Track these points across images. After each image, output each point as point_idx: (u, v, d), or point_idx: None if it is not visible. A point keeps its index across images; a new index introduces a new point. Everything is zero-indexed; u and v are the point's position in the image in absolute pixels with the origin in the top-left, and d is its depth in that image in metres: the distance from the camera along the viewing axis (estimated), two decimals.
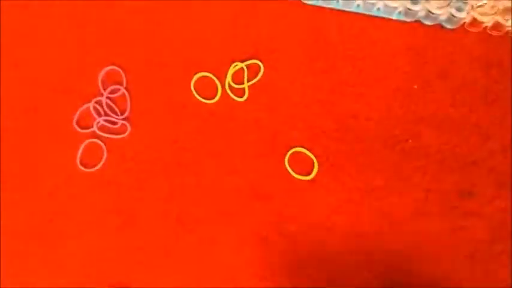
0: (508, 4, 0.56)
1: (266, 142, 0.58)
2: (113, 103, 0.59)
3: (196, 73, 0.59)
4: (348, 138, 0.58)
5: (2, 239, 0.58)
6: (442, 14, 0.57)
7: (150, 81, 0.60)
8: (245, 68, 0.59)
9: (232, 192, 0.58)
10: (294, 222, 0.57)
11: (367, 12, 0.58)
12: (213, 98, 0.59)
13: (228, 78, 0.59)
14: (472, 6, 0.56)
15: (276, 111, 0.58)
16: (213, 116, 0.59)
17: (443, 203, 0.56)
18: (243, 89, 0.59)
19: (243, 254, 0.57)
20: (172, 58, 0.60)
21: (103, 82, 0.59)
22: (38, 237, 0.58)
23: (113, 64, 0.60)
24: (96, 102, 0.59)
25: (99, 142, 0.59)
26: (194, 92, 0.59)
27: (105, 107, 0.59)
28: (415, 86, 0.58)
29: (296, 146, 0.58)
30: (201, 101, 0.59)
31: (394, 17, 0.58)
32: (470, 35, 0.58)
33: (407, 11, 0.57)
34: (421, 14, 0.57)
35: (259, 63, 0.59)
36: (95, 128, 0.59)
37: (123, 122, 0.59)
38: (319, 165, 0.57)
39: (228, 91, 0.59)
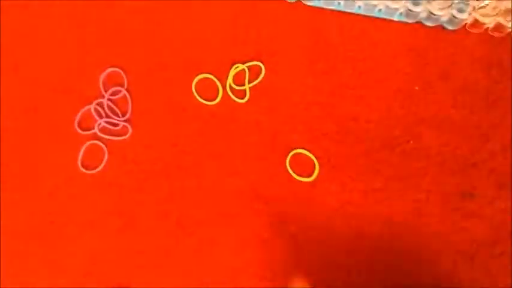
0: (510, 5, 0.56)
1: (267, 144, 0.58)
2: (114, 105, 0.59)
3: (197, 75, 0.59)
4: (349, 139, 0.58)
5: (2, 239, 0.58)
6: (443, 15, 0.56)
7: (151, 82, 0.60)
8: (246, 69, 0.59)
9: (233, 193, 0.57)
10: (295, 223, 0.57)
11: (368, 14, 0.58)
12: (214, 99, 0.59)
13: (229, 80, 0.59)
14: (474, 8, 0.56)
15: (277, 112, 0.58)
16: (214, 117, 0.59)
17: (444, 204, 0.56)
18: (244, 90, 0.59)
19: (244, 256, 0.56)
20: (174, 60, 0.60)
21: (104, 84, 0.59)
22: (38, 239, 0.58)
23: (114, 66, 0.60)
24: (97, 104, 0.59)
25: (100, 144, 0.59)
26: (195, 94, 0.59)
27: (106, 108, 0.59)
28: (416, 88, 0.58)
29: (297, 148, 0.58)
30: (202, 103, 0.59)
31: (395, 18, 0.58)
32: (472, 36, 0.58)
33: (409, 12, 0.57)
34: (423, 15, 0.57)
35: (261, 65, 0.59)
36: (96, 130, 0.59)
37: (124, 123, 0.59)
38: (320, 166, 0.57)
39: (229, 93, 0.59)
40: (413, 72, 0.58)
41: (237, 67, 0.59)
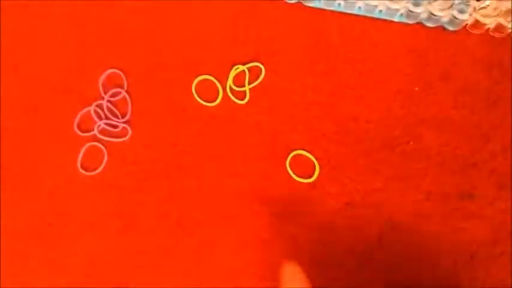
0: (510, 6, 0.55)
1: (267, 145, 0.58)
2: (114, 106, 0.59)
3: (197, 76, 0.59)
4: (349, 140, 0.58)
5: (2, 241, 0.58)
6: (444, 16, 0.56)
7: (151, 84, 0.59)
8: (246, 70, 0.59)
9: (233, 194, 0.57)
10: (295, 224, 0.57)
11: (368, 15, 0.58)
12: (214, 100, 0.59)
13: (229, 81, 0.59)
14: (474, 8, 0.56)
15: (277, 113, 0.58)
16: (214, 118, 0.59)
17: (444, 204, 0.56)
18: (244, 91, 0.59)
19: (244, 256, 0.57)
20: (173, 61, 0.60)
21: (104, 85, 0.59)
22: (38, 239, 0.58)
23: (114, 67, 0.59)
24: (97, 106, 0.59)
25: (100, 145, 0.58)
26: (195, 95, 0.59)
27: (105, 110, 0.59)
28: (417, 88, 0.58)
29: (297, 149, 0.58)
30: (202, 104, 0.59)
31: (396, 19, 0.58)
32: (472, 37, 0.58)
33: (409, 13, 0.57)
34: (423, 16, 0.57)
35: (261, 66, 0.59)
36: (95, 132, 0.58)
37: (124, 125, 0.58)
38: (320, 167, 0.57)
39: (229, 94, 0.59)
40: (413, 73, 0.58)
41: (237, 68, 0.59)
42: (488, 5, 0.56)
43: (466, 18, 0.56)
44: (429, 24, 0.58)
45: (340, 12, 0.58)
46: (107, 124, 0.59)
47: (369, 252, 0.56)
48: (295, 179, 0.57)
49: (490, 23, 0.56)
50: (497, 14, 0.56)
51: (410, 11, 0.56)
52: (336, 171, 0.57)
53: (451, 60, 0.58)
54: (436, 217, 0.56)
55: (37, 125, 0.59)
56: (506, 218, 0.56)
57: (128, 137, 0.59)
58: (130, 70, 0.60)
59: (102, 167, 0.58)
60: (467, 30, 0.58)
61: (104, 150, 0.58)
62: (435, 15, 0.56)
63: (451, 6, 0.56)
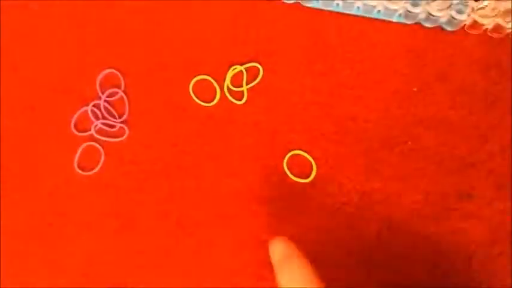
0: (509, 6, 0.55)
1: (265, 145, 0.58)
2: (111, 106, 0.59)
3: (194, 76, 0.59)
4: (347, 140, 0.58)
5: (1, 240, 0.58)
6: (442, 17, 0.56)
7: (148, 84, 0.59)
8: (244, 71, 0.59)
9: (231, 194, 0.57)
10: (293, 224, 0.56)
11: (367, 15, 0.58)
12: (212, 101, 0.59)
13: (227, 81, 0.59)
14: (473, 9, 0.56)
15: (275, 114, 0.58)
16: (211, 119, 0.58)
17: (442, 204, 0.56)
18: (242, 92, 0.59)
19: (242, 256, 0.56)
20: (171, 61, 0.59)
21: (101, 85, 0.59)
22: (36, 240, 0.58)
23: (111, 67, 0.59)
24: (94, 106, 0.59)
25: (97, 145, 0.58)
26: (193, 95, 0.59)
27: (103, 110, 0.59)
28: (415, 89, 0.58)
29: (295, 149, 0.57)
30: (199, 104, 0.59)
31: (394, 20, 0.58)
32: (471, 37, 0.58)
33: (408, 14, 0.57)
34: (422, 16, 0.57)
35: (259, 66, 0.59)
36: (92, 131, 0.58)
37: (121, 125, 0.58)
38: (317, 167, 0.57)
39: (227, 94, 0.58)
40: (411, 73, 0.58)
41: (235, 68, 0.59)
42: (486, 6, 0.56)
43: (464, 18, 0.56)
44: (427, 25, 0.58)
45: (339, 13, 0.58)
46: (104, 124, 0.58)
47: (367, 253, 0.56)
48: (293, 179, 0.57)
49: (489, 23, 0.56)
50: (496, 15, 0.56)
51: (409, 12, 0.56)
52: (334, 171, 0.57)
53: (449, 61, 0.58)
54: (434, 217, 0.56)
55: (34, 124, 0.59)
56: (505, 218, 0.56)
57: (125, 136, 0.58)
58: (127, 70, 0.59)
59: (99, 166, 0.58)
60: (465, 30, 0.58)
61: (101, 150, 0.58)
62: (433, 16, 0.56)
63: (450, 6, 0.56)
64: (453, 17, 0.56)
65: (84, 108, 0.59)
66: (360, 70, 0.58)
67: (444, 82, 0.58)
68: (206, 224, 0.57)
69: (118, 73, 0.59)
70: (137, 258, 0.57)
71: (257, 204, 0.57)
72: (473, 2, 0.56)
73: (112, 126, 0.58)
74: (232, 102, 0.58)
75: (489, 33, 0.57)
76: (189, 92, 0.59)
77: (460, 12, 0.56)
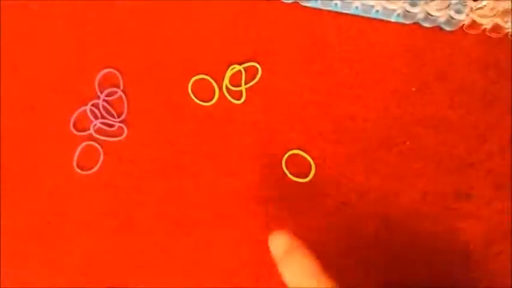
0: (508, 6, 0.55)
1: (263, 144, 0.58)
2: (110, 106, 0.59)
3: (193, 75, 0.59)
4: (345, 140, 0.58)
5: (1, 240, 0.58)
6: (441, 16, 0.56)
7: (147, 83, 0.59)
8: (243, 70, 0.59)
9: (229, 194, 0.57)
10: (292, 224, 0.57)
11: (365, 15, 0.58)
12: (211, 100, 0.59)
13: (226, 81, 0.59)
14: (471, 9, 0.56)
15: (274, 113, 0.58)
16: (210, 118, 0.58)
17: (441, 204, 0.56)
18: (241, 91, 0.59)
19: (241, 256, 0.57)
20: (170, 61, 0.59)
21: (100, 85, 0.59)
22: (36, 238, 0.58)
23: (110, 67, 0.59)
24: (92, 105, 0.59)
25: (96, 145, 0.58)
26: (191, 95, 0.59)
27: (101, 109, 0.59)
28: (413, 88, 0.58)
29: (293, 148, 0.58)
30: (198, 104, 0.59)
31: (392, 19, 0.58)
32: (469, 37, 0.58)
33: (406, 13, 0.57)
34: (420, 16, 0.57)
35: (257, 66, 0.59)
36: (91, 131, 0.58)
37: (120, 124, 0.58)
38: (316, 167, 0.57)
39: (226, 94, 0.58)
40: (410, 73, 0.58)
41: (234, 68, 0.59)
42: (485, 6, 0.56)
43: (463, 18, 0.56)
44: (426, 25, 0.58)
45: (337, 12, 0.58)
46: (102, 123, 0.58)
47: (365, 252, 0.56)
48: (291, 179, 0.57)
49: (487, 23, 0.56)
50: (494, 15, 0.56)
51: (407, 11, 0.56)
52: (332, 170, 0.57)
53: (448, 60, 0.58)
54: (433, 217, 0.56)
55: (33, 124, 0.59)
56: (504, 218, 0.56)
57: (123, 136, 0.58)
58: (126, 69, 0.59)
59: (98, 166, 0.58)
60: (464, 30, 0.57)
61: (100, 149, 0.58)
62: (432, 16, 0.56)
63: (448, 6, 0.56)
64: (452, 17, 0.56)
65: (83, 107, 0.59)
66: (359, 70, 0.58)
67: (443, 82, 0.58)
68: (205, 223, 0.57)
69: (117, 72, 0.59)
70: (136, 257, 0.57)
71: (256, 203, 0.57)
72: (472, 1, 0.56)
73: (111, 126, 0.59)
74: (231, 101, 0.58)
75: (488, 33, 0.57)
76: (187, 92, 0.59)
77: (458, 12, 0.56)
